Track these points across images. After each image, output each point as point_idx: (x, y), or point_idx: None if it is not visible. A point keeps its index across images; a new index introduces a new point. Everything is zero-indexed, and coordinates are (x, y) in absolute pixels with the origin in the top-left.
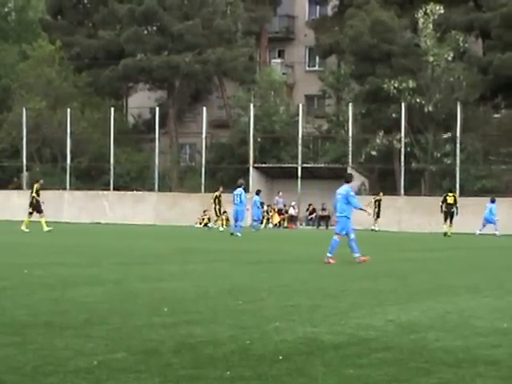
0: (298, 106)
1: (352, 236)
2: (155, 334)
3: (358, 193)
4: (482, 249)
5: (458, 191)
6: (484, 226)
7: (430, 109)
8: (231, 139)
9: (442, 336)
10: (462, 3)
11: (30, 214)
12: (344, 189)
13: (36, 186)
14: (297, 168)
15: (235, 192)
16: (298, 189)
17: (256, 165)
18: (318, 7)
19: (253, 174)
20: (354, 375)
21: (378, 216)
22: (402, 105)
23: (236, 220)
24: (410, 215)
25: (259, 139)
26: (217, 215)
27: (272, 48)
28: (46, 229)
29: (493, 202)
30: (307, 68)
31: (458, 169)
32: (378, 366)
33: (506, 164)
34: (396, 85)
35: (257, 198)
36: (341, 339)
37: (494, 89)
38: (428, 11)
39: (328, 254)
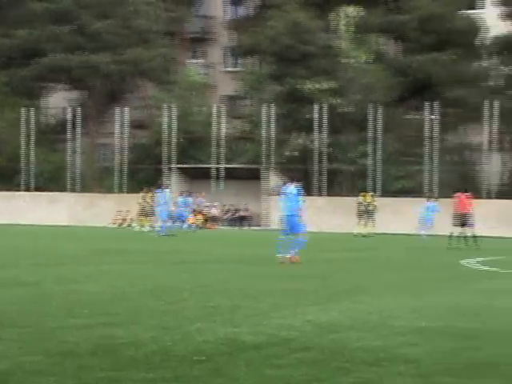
0: (217, 107)
1: (284, 237)
2: (71, 335)
3: (279, 193)
4: (401, 249)
5: (377, 192)
6: (423, 226)
7: (348, 110)
8: (150, 140)
9: (362, 336)
10: (380, 6)
11: None
12: (293, 188)
13: None
14: (216, 168)
15: (160, 192)
16: (216, 189)
17: (175, 165)
18: (236, 8)
19: (172, 174)
20: (275, 375)
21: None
22: (320, 106)
23: (163, 221)
24: (330, 215)
25: (179, 139)
26: (143, 216)
27: (191, 48)
28: None
29: (431, 200)
30: (225, 68)
31: (376, 169)
32: (298, 365)
33: (421, 165)
34: (314, 86)
35: (180, 198)
36: (261, 339)
37: (409, 90)
38: (346, 13)
39: (290, 253)
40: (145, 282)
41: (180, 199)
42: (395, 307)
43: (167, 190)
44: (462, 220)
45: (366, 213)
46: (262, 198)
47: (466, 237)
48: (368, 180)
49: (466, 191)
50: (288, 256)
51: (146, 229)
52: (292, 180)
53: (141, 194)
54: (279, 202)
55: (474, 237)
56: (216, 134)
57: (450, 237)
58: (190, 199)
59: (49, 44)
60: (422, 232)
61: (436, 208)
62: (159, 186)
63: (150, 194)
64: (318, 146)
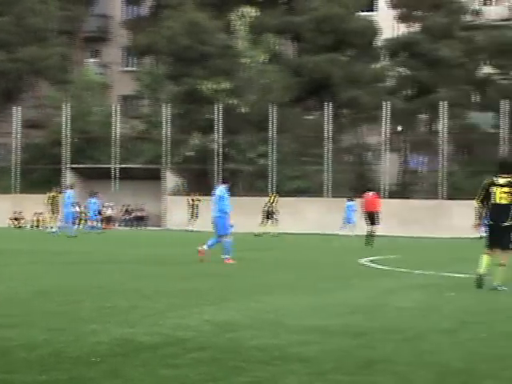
0: (114, 107)
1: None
2: None
3: (177, 193)
4: (300, 248)
5: (274, 192)
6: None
7: (245, 110)
8: (45, 139)
9: (257, 334)
10: (276, 7)
11: None
12: (220, 189)
13: None
14: (112, 168)
15: (67, 194)
16: (113, 189)
17: (71, 165)
18: (133, 7)
19: (68, 174)
20: (171, 375)
21: (196, 216)
22: (218, 106)
23: (67, 222)
24: None
25: (74, 139)
26: (51, 215)
27: (87, 48)
28: None
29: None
30: (123, 68)
31: (272, 170)
32: (194, 365)
33: (318, 165)
34: (211, 86)
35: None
36: (157, 340)
37: (306, 91)
38: (242, 13)
39: (225, 256)
40: (39, 283)
41: (93, 200)
42: (291, 306)
43: (71, 191)
44: (371, 219)
45: (269, 213)
46: (161, 198)
47: (373, 235)
48: (265, 180)
49: (370, 190)
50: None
51: (54, 229)
52: (223, 181)
53: (48, 195)
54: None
55: (371, 236)
56: (113, 133)
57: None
58: (96, 200)
59: None
60: (343, 231)
61: (353, 207)
62: (66, 187)
63: (53, 194)
64: (217, 147)
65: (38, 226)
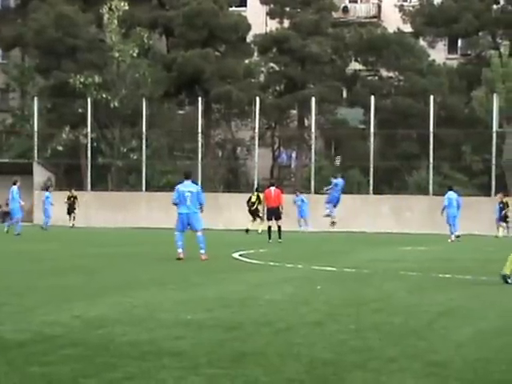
0: None
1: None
2: None
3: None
4: (163, 243)
5: (144, 187)
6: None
7: (116, 104)
8: None
9: (129, 330)
10: (146, 1)
11: None
12: (193, 185)
13: None
14: None
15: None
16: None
17: None
18: None
19: None
20: (39, 372)
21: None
22: (88, 100)
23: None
24: (97, 210)
25: None
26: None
27: None
28: None
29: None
30: None
31: (144, 164)
32: (64, 362)
33: (190, 159)
34: (82, 80)
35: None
36: (26, 337)
37: (178, 86)
38: (113, 7)
39: (201, 251)
40: None
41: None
42: (162, 300)
43: (15, 187)
44: (274, 213)
45: (254, 212)
46: (33, 193)
47: (279, 230)
48: (138, 175)
49: (273, 185)
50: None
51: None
52: (186, 176)
53: None
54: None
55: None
56: None
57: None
58: None
59: None
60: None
61: (305, 200)
62: (14, 183)
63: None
64: (87, 141)
65: None
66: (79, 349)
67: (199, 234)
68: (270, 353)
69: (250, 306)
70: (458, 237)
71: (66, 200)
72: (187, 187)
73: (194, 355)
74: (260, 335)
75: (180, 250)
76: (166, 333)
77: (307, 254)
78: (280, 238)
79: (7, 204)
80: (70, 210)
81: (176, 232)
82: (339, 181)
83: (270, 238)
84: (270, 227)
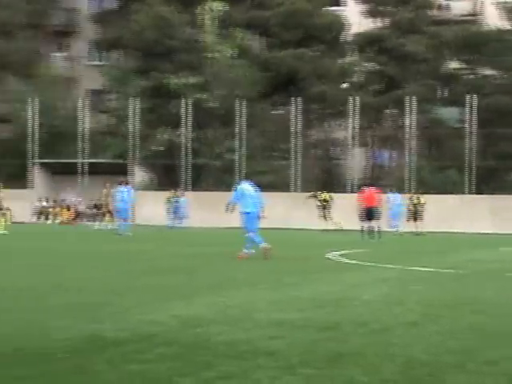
0: (81, 101)
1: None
2: None
3: (145, 188)
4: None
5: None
6: None
7: (213, 105)
8: (12, 134)
9: (224, 329)
10: (244, 1)
11: None
12: (252, 186)
13: None
14: (80, 163)
15: (119, 189)
16: (80, 184)
17: (38, 160)
18: (100, 1)
19: (35, 169)
20: (137, 370)
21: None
22: (186, 100)
23: (124, 218)
24: (195, 210)
25: (41, 134)
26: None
27: (54, 41)
28: None
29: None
30: (90, 62)
31: (239, 164)
32: (160, 360)
33: (286, 160)
34: (179, 81)
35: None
36: (124, 336)
37: (273, 86)
38: (209, 8)
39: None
40: (5, 279)
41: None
42: (257, 300)
43: (125, 187)
44: (370, 214)
45: None
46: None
47: (373, 231)
48: (233, 175)
49: (371, 185)
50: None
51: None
52: (246, 178)
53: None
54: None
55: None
56: (81, 128)
57: (362, 231)
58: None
59: None
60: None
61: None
62: (121, 183)
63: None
64: (184, 141)
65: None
66: (176, 348)
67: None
68: (367, 353)
69: (344, 306)
70: None
71: (166, 200)
72: (249, 187)
73: (288, 355)
74: (355, 335)
75: (263, 244)
76: (261, 332)
77: (402, 254)
78: (375, 238)
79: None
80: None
81: (252, 233)
82: (395, 195)
83: (371, 238)
84: (368, 227)
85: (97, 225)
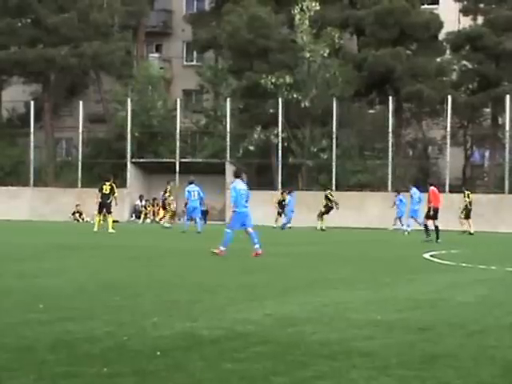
0: (176, 101)
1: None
2: (30, 331)
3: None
4: (353, 242)
5: (334, 186)
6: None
7: (307, 104)
8: (108, 134)
9: (318, 329)
10: (338, 0)
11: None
12: (244, 184)
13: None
14: (175, 163)
15: (189, 188)
16: (175, 184)
17: (134, 160)
18: (195, 2)
19: (130, 169)
20: (232, 369)
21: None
22: (279, 100)
23: (192, 216)
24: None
25: (137, 134)
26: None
27: (149, 42)
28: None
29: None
30: (185, 63)
31: (334, 164)
32: (255, 359)
33: (380, 159)
34: (273, 80)
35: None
36: (218, 334)
37: (368, 85)
38: (304, 7)
39: (256, 246)
40: (101, 277)
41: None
42: (351, 300)
43: (194, 186)
44: (436, 213)
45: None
46: (224, 192)
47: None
48: (327, 174)
49: (433, 184)
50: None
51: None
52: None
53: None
54: None
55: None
56: (176, 128)
57: (427, 230)
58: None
59: (5, 37)
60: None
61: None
62: (191, 182)
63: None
64: (278, 141)
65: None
66: (270, 346)
67: (251, 230)
68: (463, 355)
69: (441, 307)
70: None
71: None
72: (243, 186)
73: (384, 356)
74: (452, 337)
75: (257, 246)
76: (356, 332)
77: (500, 255)
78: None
79: (205, 204)
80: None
81: (230, 230)
82: (414, 191)
83: (438, 238)
84: (437, 227)
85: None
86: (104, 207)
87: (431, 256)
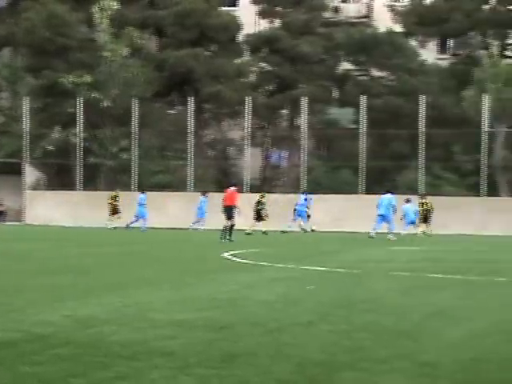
0: None
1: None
2: None
3: (37, 188)
4: (164, 243)
5: (135, 186)
6: None
7: (108, 104)
8: None
9: (119, 329)
10: (137, 0)
11: None
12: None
13: None
14: None
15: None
16: None
17: None
18: None
19: None
20: (30, 372)
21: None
22: (79, 100)
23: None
24: (88, 210)
25: None
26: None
27: None
28: None
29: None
30: None
31: (135, 164)
32: (54, 361)
33: (181, 160)
34: (72, 79)
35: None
36: (17, 336)
37: (169, 85)
38: (103, 6)
39: None
40: None
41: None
42: (153, 300)
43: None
44: (228, 213)
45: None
46: (21, 192)
47: (231, 229)
48: (128, 174)
49: (232, 185)
50: None
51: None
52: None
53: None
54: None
55: (229, 230)
56: None
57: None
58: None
59: None
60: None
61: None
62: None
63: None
64: (78, 141)
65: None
66: (69, 348)
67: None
68: (261, 353)
69: (240, 305)
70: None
71: (109, 200)
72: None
73: (185, 355)
74: (251, 335)
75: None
76: (158, 332)
77: (298, 254)
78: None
79: (0, 204)
80: (115, 211)
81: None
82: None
83: (230, 236)
84: (232, 226)
85: None
86: None
87: (230, 255)
